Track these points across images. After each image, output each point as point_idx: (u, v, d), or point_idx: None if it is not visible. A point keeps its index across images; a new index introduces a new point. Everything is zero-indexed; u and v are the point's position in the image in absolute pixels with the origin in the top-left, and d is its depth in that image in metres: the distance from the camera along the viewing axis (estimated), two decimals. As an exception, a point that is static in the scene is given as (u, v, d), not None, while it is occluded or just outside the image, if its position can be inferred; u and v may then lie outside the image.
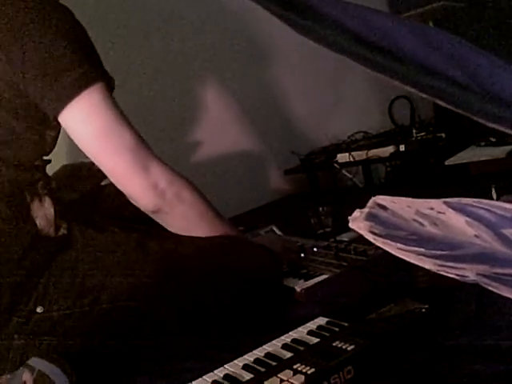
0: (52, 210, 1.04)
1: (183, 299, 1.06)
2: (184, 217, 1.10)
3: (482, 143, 2.00)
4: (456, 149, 2.03)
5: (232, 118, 2.42)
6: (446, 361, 0.81)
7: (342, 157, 2.29)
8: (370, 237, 0.33)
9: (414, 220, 0.34)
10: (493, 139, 1.98)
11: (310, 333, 0.91)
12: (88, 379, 0.95)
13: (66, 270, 1.00)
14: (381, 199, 0.35)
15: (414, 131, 2.24)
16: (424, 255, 0.31)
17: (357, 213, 0.35)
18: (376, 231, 0.33)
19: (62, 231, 1.03)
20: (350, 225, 0.35)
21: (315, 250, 1.33)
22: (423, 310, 0.88)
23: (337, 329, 0.89)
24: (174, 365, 1.01)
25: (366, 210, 0.35)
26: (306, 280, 1.19)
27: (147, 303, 1.03)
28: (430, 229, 0.33)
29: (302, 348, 0.86)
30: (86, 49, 1.03)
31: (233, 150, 2.41)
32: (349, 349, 0.80)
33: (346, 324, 0.90)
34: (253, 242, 1.29)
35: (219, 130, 2.36)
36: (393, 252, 0.32)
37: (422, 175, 2.19)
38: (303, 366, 0.78)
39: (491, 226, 0.31)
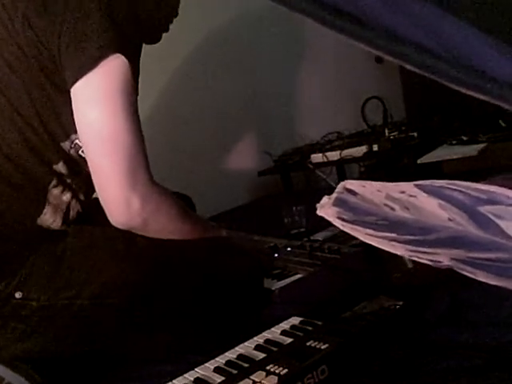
0: (64, 208, 1.01)
1: (166, 300, 1.03)
2: (156, 233, 1.04)
3: (454, 142, 2.01)
4: (428, 148, 2.04)
5: (205, 118, 2.39)
6: (421, 357, 0.79)
7: (316, 157, 2.28)
8: (338, 223, 0.31)
9: (385, 204, 0.32)
10: (464, 138, 2.00)
11: (284, 333, 0.88)
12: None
13: (52, 259, 0.97)
14: (350, 184, 0.32)
15: (387, 131, 2.25)
16: (395, 241, 0.29)
17: (325, 199, 0.33)
18: (344, 217, 0.31)
19: (62, 228, 1.02)
20: (318, 212, 0.33)
21: (289, 249, 1.32)
22: (398, 307, 0.87)
23: (310, 328, 0.87)
24: (145, 368, 0.98)
25: (334, 195, 0.33)
26: (279, 280, 1.17)
27: (129, 303, 1.00)
28: (401, 213, 0.31)
29: (275, 349, 0.83)
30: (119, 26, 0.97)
31: (206, 152, 2.38)
32: (323, 348, 0.78)
33: (319, 323, 0.88)
34: (240, 246, 1.25)
35: (193, 130, 2.33)
36: (362, 238, 0.30)
37: (396, 174, 2.19)
38: (276, 367, 0.76)
39: (465, 208, 0.29)
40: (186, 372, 0.83)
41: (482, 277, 0.27)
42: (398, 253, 0.29)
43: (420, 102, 2.52)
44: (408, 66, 0.24)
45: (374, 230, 0.30)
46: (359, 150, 2.18)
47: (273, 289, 1.12)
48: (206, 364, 0.83)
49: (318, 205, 0.34)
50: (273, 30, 2.61)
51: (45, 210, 1.00)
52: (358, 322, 0.85)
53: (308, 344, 0.81)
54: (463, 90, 0.25)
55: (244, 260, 1.14)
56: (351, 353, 0.80)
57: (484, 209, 0.28)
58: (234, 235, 1.25)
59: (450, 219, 0.29)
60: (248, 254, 1.17)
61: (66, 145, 1.02)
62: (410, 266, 1.01)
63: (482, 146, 1.87)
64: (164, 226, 1.04)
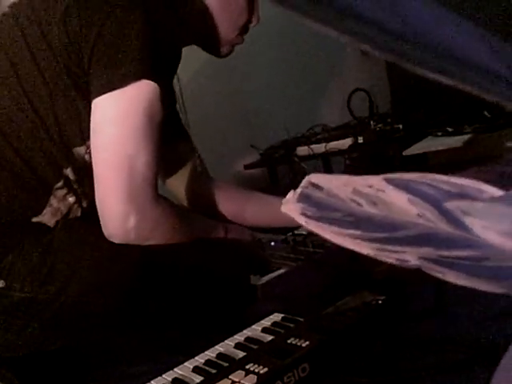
0: (65, 211, 1.01)
1: (151, 300, 1.01)
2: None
3: (439, 133, 2.00)
4: (414, 139, 2.03)
5: (190, 111, 2.37)
6: (404, 352, 0.78)
7: (302, 150, 2.27)
8: (302, 220, 0.29)
9: (351, 200, 0.30)
10: (450, 129, 1.99)
11: (265, 330, 0.86)
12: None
13: (38, 250, 0.95)
14: (315, 178, 0.30)
15: (372, 123, 2.23)
16: (360, 238, 0.27)
17: (290, 194, 0.31)
18: (308, 213, 0.29)
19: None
20: (282, 208, 0.31)
21: (272, 244, 1.30)
22: (380, 302, 0.85)
23: (292, 325, 0.86)
24: (123, 369, 0.96)
25: (299, 190, 0.31)
26: (262, 275, 1.15)
27: (114, 303, 0.97)
28: (367, 209, 0.29)
29: (255, 347, 0.81)
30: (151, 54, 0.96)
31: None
32: (304, 345, 0.76)
33: (301, 319, 0.86)
34: (237, 242, 1.22)
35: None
36: (327, 236, 0.28)
37: (381, 166, 2.18)
38: (256, 366, 0.74)
39: (435, 203, 0.27)
40: (165, 372, 0.81)
41: (451, 277, 0.25)
42: (364, 252, 0.27)
43: (406, 93, 2.51)
44: (368, 48, 0.22)
45: (338, 226, 0.28)
46: (344, 143, 2.17)
47: (256, 284, 1.10)
48: (185, 364, 0.81)
49: (283, 201, 0.32)
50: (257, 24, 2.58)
51: (44, 211, 0.99)
52: (340, 318, 0.83)
53: (289, 341, 0.79)
54: (430, 75, 0.23)
55: (233, 258, 1.12)
56: (333, 350, 0.78)
57: (451, 205, 0.26)
58: (233, 229, 1.22)
59: (419, 215, 0.28)
60: (242, 252, 1.15)
61: (81, 149, 1.01)
62: (393, 259, 1.00)
63: (467, 137, 1.86)
64: (158, 240, 1.02)
